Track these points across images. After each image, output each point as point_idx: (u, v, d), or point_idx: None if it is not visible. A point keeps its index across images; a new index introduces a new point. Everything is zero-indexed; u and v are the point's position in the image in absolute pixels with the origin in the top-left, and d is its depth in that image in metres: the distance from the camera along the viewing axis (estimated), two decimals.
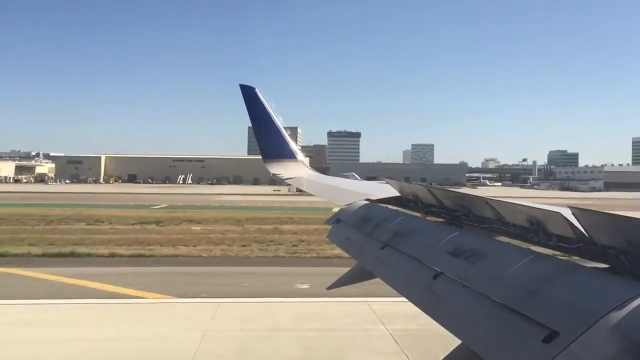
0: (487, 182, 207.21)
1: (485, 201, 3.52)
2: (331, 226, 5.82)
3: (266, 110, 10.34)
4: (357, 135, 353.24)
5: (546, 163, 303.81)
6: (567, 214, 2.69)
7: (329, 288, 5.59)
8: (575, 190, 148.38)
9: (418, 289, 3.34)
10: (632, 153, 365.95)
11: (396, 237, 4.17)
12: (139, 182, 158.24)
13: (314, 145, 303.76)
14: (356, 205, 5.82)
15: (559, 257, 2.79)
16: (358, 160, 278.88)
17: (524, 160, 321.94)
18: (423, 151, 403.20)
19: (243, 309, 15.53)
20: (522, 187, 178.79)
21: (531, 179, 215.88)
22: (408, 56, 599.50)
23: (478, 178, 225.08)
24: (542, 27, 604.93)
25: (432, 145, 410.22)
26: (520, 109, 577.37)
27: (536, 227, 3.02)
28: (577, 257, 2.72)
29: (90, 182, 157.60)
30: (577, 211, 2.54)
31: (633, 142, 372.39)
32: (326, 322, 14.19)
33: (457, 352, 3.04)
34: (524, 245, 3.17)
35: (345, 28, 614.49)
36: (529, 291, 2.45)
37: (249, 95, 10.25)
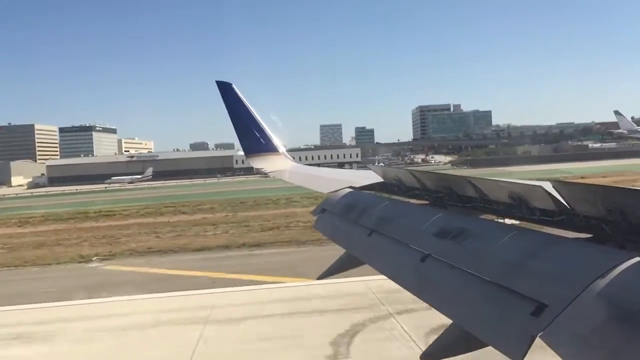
0: None
1: (467, 180, 3.53)
2: (317, 217, 5.81)
3: (244, 105, 10.25)
4: (89, 129, 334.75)
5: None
6: (548, 187, 2.71)
7: (319, 278, 5.58)
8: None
9: (406, 273, 3.35)
10: (412, 124, 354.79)
11: (382, 222, 4.18)
12: None
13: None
14: (340, 193, 5.81)
15: (542, 230, 2.81)
16: (92, 155, 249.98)
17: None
18: (332, 131, 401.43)
19: None
20: None
21: None
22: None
23: None
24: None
25: (340, 125, 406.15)
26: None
27: (519, 202, 3.04)
28: (560, 230, 2.75)
29: None
30: (558, 184, 2.56)
31: (413, 115, 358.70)
32: None
33: (449, 332, 3.05)
34: (508, 221, 3.19)
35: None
36: (515, 266, 2.47)
37: (226, 91, 10.14)
